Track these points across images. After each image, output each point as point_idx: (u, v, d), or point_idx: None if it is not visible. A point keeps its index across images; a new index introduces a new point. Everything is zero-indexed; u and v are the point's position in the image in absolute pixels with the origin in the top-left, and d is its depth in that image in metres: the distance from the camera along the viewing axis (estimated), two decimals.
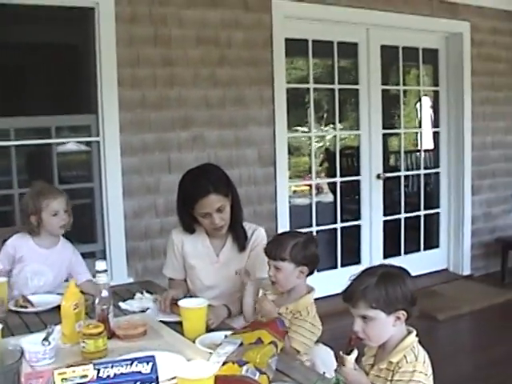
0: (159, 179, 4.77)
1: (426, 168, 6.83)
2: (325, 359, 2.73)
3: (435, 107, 6.82)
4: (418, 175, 6.78)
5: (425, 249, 6.70)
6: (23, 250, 3.22)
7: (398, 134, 6.70)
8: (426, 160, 6.91)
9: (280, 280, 2.73)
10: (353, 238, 6.23)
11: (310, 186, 6.16)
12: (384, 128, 6.30)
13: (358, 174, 6.20)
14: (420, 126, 7.08)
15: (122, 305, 2.89)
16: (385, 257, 6.25)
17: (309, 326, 2.62)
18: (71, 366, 1.88)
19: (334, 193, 6.31)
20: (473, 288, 6.33)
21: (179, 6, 4.73)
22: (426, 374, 2.07)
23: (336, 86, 5.93)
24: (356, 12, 5.65)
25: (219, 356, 1.97)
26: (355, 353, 2.09)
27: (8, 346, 1.79)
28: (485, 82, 6.62)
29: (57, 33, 4.61)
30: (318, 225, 5.94)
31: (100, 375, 1.82)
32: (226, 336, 2.20)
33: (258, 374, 1.87)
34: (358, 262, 6.16)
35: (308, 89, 5.84)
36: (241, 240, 3.12)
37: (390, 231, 6.41)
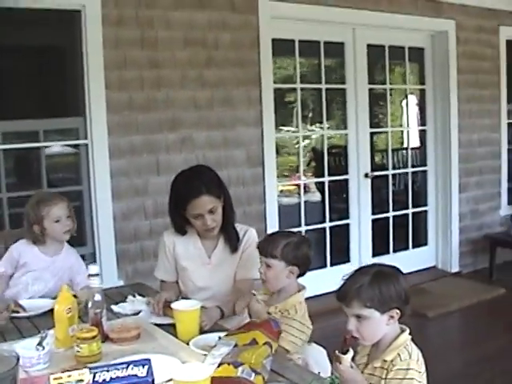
0: (148, 181, 4.76)
1: (413, 166, 6.86)
2: (318, 359, 2.75)
3: (422, 105, 6.85)
4: (406, 173, 6.81)
5: (413, 247, 6.74)
6: (27, 256, 3.21)
7: (385, 133, 6.73)
8: (413, 158, 6.94)
9: (269, 278, 2.74)
10: (342, 237, 6.25)
11: (298, 185, 6.17)
12: (371, 127, 6.33)
13: (346, 173, 6.22)
14: (407, 125, 7.10)
15: (114, 308, 2.88)
16: (374, 255, 6.28)
17: (298, 324, 2.62)
18: (66, 370, 1.88)
19: (322, 192, 6.32)
20: (461, 285, 6.37)
21: (166, 7, 4.72)
22: (420, 372, 2.09)
23: (323, 86, 5.94)
24: (342, 12, 5.66)
25: (214, 357, 1.97)
26: (351, 352, 2.10)
27: (3, 352, 1.79)
28: (470, 80, 6.66)
29: (43, 35, 4.59)
30: (306, 224, 5.95)
31: (96, 379, 1.83)
32: (219, 337, 2.20)
33: (253, 374, 1.88)
34: (347, 260, 6.19)
35: (295, 89, 5.85)
36: (233, 241, 3.13)
37: (379, 230, 6.44)
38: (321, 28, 5.77)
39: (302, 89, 5.89)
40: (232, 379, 1.85)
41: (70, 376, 1.83)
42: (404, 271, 2.25)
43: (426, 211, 6.81)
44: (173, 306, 2.55)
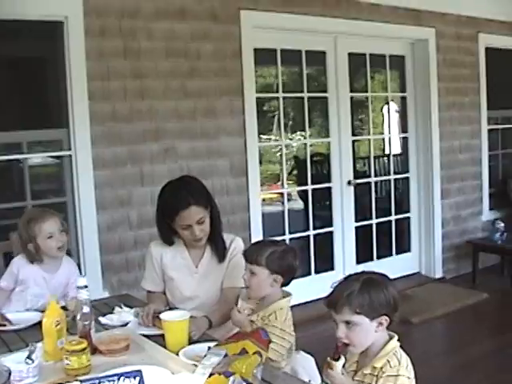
0: (132, 192, 4.75)
1: (395, 173, 6.89)
2: (306, 366, 2.76)
3: (403, 113, 6.90)
4: (388, 180, 6.85)
5: (397, 253, 6.77)
6: (26, 272, 3.20)
7: (367, 140, 6.77)
8: (395, 165, 6.97)
9: (253, 285, 2.76)
10: (326, 244, 6.27)
11: (282, 193, 6.18)
12: (353, 134, 6.37)
13: (328, 180, 6.24)
14: (388, 132, 7.15)
15: (102, 319, 2.87)
16: (358, 262, 6.30)
17: (278, 331, 2.61)
18: (57, 383, 1.88)
19: (306, 200, 6.34)
20: (445, 290, 6.41)
21: (148, 18, 4.72)
22: (409, 378, 2.12)
23: (305, 95, 5.97)
24: (323, 21, 5.69)
25: (205, 368, 1.98)
26: (343, 359, 2.12)
27: None
28: (451, 87, 6.72)
29: (26, 47, 4.57)
30: (290, 232, 5.97)
31: None
32: (209, 348, 2.20)
33: None
34: (331, 268, 6.20)
35: (277, 98, 5.88)
36: (220, 251, 3.15)
37: (362, 237, 6.47)
38: (302, 37, 5.80)
39: (283, 98, 5.90)
40: None
41: None
42: None
43: (408, 218, 6.85)
44: (162, 316, 2.55)
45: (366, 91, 6.54)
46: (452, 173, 6.85)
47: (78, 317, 2.47)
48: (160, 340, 2.55)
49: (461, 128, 6.91)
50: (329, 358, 2.13)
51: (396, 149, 7.23)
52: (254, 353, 2.08)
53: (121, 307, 3.00)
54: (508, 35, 7.24)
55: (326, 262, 6.21)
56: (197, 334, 2.62)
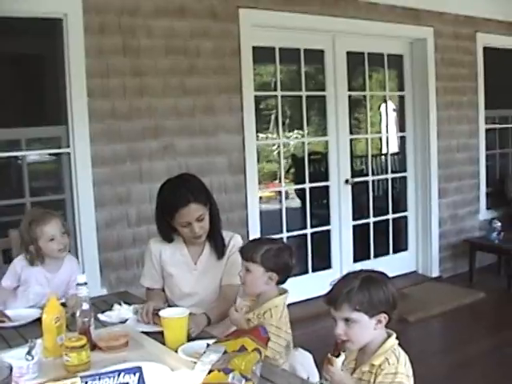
0: (130, 189, 4.76)
1: (393, 172, 6.91)
2: (304, 364, 2.76)
3: (401, 112, 6.91)
4: (386, 179, 6.88)
5: (394, 252, 6.78)
6: (27, 272, 3.20)
7: (364, 139, 6.78)
8: (392, 164, 6.98)
9: (248, 282, 2.76)
10: (323, 243, 6.28)
11: (279, 192, 6.19)
12: (351, 133, 6.38)
13: (326, 179, 6.25)
14: (386, 131, 7.16)
15: (100, 316, 2.88)
16: (355, 261, 6.32)
17: (273, 329, 2.61)
18: (57, 380, 1.89)
19: (303, 198, 6.35)
20: (442, 289, 6.43)
21: (148, 16, 4.73)
22: (408, 376, 2.13)
23: (303, 93, 5.98)
24: (322, 19, 5.70)
25: (204, 364, 1.98)
26: (343, 356, 2.14)
27: None
28: (449, 87, 6.73)
29: (25, 44, 4.57)
30: (288, 230, 5.98)
31: None
32: (208, 345, 2.21)
33: (243, 380, 1.90)
34: (328, 266, 6.22)
35: (275, 96, 5.89)
36: (219, 248, 3.16)
37: (360, 235, 6.48)
38: (301, 36, 5.81)
39: (282, 96, 5.90)
40: None
41: None
42: None
43: (406, 217, 6.86)
44: (161, 313, 2.56)
45: (364, 90, 6.56)
46: (449, 172, 6.86)
47: (78, 313, 2.48)
48: (159, 337, 2.56)
49: (459, 127, 6.93)
50: (329, 354, 2.14)
51: (394, 148, 7.23)
52: (253, 350, 2.08)
53: (120, 304, 3.00)
54: (506, 35, 7.25)
55: (323, 261, 6.22)
56: (196, 331, 2.63)
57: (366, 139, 6.73)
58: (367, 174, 6.70)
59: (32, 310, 3.02)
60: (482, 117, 7.16)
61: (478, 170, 7.18)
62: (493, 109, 7.32)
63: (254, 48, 5.35)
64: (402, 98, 6.82)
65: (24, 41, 4.54)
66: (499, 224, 6.65)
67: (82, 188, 4.55)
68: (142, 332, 2.67)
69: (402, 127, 6.91)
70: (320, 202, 6.56)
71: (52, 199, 4.70)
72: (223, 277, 3.15)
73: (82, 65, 4.47)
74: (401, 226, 6.87)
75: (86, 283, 2.52)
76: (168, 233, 3.16)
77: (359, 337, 2.19)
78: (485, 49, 7.09)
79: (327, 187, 6.24)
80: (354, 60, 6.28)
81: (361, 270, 2.27)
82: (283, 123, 6.24)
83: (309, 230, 6.16)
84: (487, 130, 7.27)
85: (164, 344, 2.50)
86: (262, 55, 5.71)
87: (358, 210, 6.50)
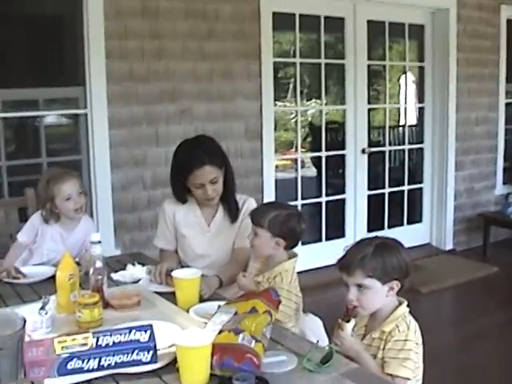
0: (146, 152, 4.77)
1: (410, 143, 6.87)
2: (314, 329, 2.78)
3: (420, 83, 6.85)
4: (403, 150, 6.83)
5: (408, 223, 6.77)
6: (43, 228, 3.23)
7: (382, 109, 6.73)
8: (410, 135, 6.94)
9: (256, 245, 2.77)
10: (337, 211, 6.28)
11: (295, 160, 6.19)
12: (369, 103, 6.34)
13: (343, 148, 6.23)
14: (405, 102, 7.10)
15: (114, 276, 2.90)
16: (369, 230, 6.31)
17: (284, 292, 2.60)
18: (69, 334, 1.91)
19: (319, 167, 6.34)
20: (455, 262, 6.42)
21: None
22: (417, 343, 2.14)
23: (322, 61, 5.94)
24: None
25: (215, 325, 2.00)
26: (353, 321, 2.15)
27: (10, 315, 1.81)
28: (470, 59, 6.64)
29: (45, 4, 4.57)
30: (303, 198, 5.98)
31: (99, 343, 1.86)
32: (219, 306, 2.23)
33: (253, 341, 1.91)
34: (342, 235, 6.22)
35: (294, 63, 5.85)
36: (232, 211, 3.18)
37: (374, 205, 6.47)
38: (321, 3, 5.75)
39: (300, 63, 5.86)
40: (233, 345, 1.87)
41: (74, 340, 1.86)
42: None
43: (421, 188, 6.83)
44: (173, 273, 2.58)
45: (384, 59, 6.49)
46: (467, 145, 6.80)
47: (91, 271, 2.49)
48: (171, 298, 2.58)
49: (478, 100, 6.85)
50: (340, 320, 2.15)
51: (412, 119, 7.18)
52: (264, 312, 2.09)
53: (133, 265, 3.02)
54: None
55: (337, 229, 6.23)
56: (208, 292, 2.65)
57: (384, 109, 6.69)
58: (384, 145, 6.66)
59: (46, 267, 3.04)
60: (503, 90, 7.07)
61: (496, 144, 7.11)
62: None
63: (273, 14, 5.31)
64: (421, 68, 6.73)
65: (43, 1, 4.53)
66: None
67: (98, 149, 4.58)
68: (155, 292, 2.69)
69: (420, 98, 6.84)
70: (336, 170, 6.56)
71: (68, 160, 4.73)
72: (236, 240, 3.16)
73: (101, 26, 4.47)
74: (416, 197, 6.84)
75: (99, 242, 2.53)
76: (182, 193, 3.17)
77: (371, 303, 2.20)
78: (508, 21, 6.97)
79: (343, 156, 6.22)
80: (375, 29, 6.21)
81: (375, 237, 2.27)
82: (301, 92, 6.20)
83: (324, 199, 6.16)
84: (507, 104, 7.19)
85: (176, 304, 2.52)
86: (282, 21, 5.66)
87: (374, 180, 6.48)
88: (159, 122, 4.79)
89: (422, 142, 6.79)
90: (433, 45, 6.61)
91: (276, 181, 5.59)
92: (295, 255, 2.79)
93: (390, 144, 6.76)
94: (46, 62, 4.73)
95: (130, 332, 1.91)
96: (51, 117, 4.80)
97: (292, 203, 5.49)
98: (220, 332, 1.94)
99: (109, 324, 2.25)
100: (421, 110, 6.85)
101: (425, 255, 6.45)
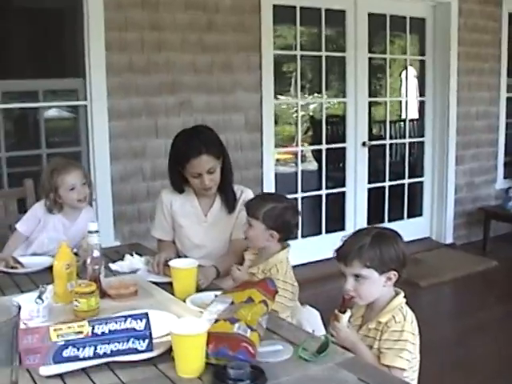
0: (146, 144, 4.78)
1: (410, 137, 6.86)
2: (311, 320, 2.78)
3: (421, 77, 6.83)
4: (403, 144, 6.82)
5: (408, 217, 6.77)
6: (47, 217, 3.23)
7: (383, 103, 6.72)
8: (410, 129, 6.93)
9: (250, 236, 2.79)
10: (337, 204, 6.28)
11: (296, 153, 6.18)
12: (370, 96, 6.33)
13: (343, 141, 6.22)
14: (406, 95, 7.09)
15: (112, 266, 2.90)
16: (369, 223, 6.29)
17: (281, 283, 2.60)
18: (65, 322, 1.91)
19: (319, 160, 6.34)
20: (455, 256, 6.42)
21: None
22: (414, 334, 2.14)
23: (323, 54, 5.92)
24: None
25: (211, 314, 2.00)
26: (349, 312, 2.15)
27: (5, 302, 1.81)
28: (471, 53, 6.63)
29: None
30: (303, 191, 5.98)
31: (95, 331, 1.86)
32: (216, 295, 2.23)
33: (249, 331, 1.91)
34: (342, 228, 6.21)
35: (294, 56, 5.84)
36: (230, 202, 3.18)
37: (375, 199, 6.47)
38: None
39: (301, 56, 5.86)
40: (228, 334, 1.87)
41: (69, 327, 1.86)
42: None
43: (421, 182, 6.82)
44: (170, 263, 2.58)
45: (385, 53, 6.48)
46: (468, 139, 6.79)
47: (88, 261, 2.50)
48: (168, 288, 2.58)
49: (479, 94, 6.84)
50: (336, 311, 2.16)
51: (412, 112, 7.18)
52: (260, 302, 2.09)
53: (131, 255, 3.02)
54: None
55: (336, 222, 6.23)
56: (205, 282, 2.65)
57: (385, 103, 6.68)
58: (385, 138, 6.66)
59: (45, 257, 3.04)
60: (504, 84, 7.04)
61: (496, 138, 7.10)
62: None
63: (274, 6, 5.30)
64: (422, 62, 6.72)
65: None
66: None
67: (97, 141, 4.58)
68: (152, 282, 2.70)
69: (421, 92, 6.83)
70: (336, 164, 6.55)
71: (68, 151, 4.73)
72: (233, 231, 3.17)
73: (101, 18, 4.46)
74: (416, 191, 6.83)
75: (97, 231, 2.54)
76: (179, 183, 3.18)
77: (368, 293, 2.20)
78: (510, 15, 6.95)
79: (344, 149, 6.21)
80: (376, 22, 6.20)
81: (372, 227, 2.29)
82: (302, 86, 6.19)
83: (324, 192, 6.15)
84: (508, 99, 7.17)
85: (173, 294, 2.52)
86: (283, 14, 5.65)
87: (374, 174, 6.48)
88: (159, 114, 4.79)
89: (422, 136, 6.78)
90: (434, 38, 6.59)
91: (276, 174, 5.59)
92: (288, 245, 2.80)
93: (390, 137, 6.75)
94: (46, 53, 4.73)
95: (125, 320, 1.91)
96: (51, 108, 4.79)
97: (292, 196, 5.50)
98: (216, 321, 1.94)
99: (106, 313, 2.25)
100: (421, 104, 6.84)
101: (425, 249, 6.44)
